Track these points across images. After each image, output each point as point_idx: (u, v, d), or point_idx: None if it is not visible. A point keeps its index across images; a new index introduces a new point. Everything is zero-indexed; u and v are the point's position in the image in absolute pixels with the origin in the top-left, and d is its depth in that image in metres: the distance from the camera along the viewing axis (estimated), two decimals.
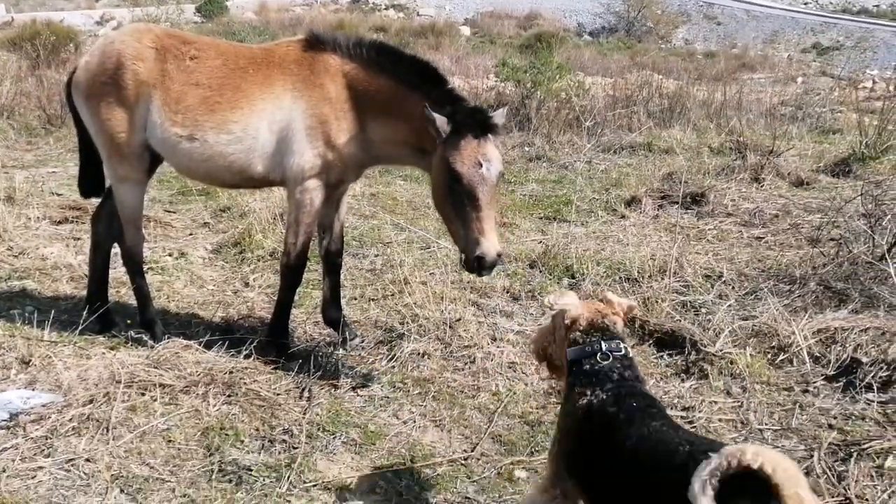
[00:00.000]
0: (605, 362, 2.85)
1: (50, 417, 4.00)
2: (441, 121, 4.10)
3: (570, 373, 2.96)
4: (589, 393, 2.79)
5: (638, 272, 6.01)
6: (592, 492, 2.76)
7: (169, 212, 8.00)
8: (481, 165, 4.08)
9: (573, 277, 6.19)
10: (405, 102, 4.41)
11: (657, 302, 5.50)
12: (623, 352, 2.90)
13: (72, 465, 3.72)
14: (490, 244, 4.05)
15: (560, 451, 2.92)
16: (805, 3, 57.47)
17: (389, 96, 4.49)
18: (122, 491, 3.60)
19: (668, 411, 3.03)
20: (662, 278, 5.90)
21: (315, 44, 4.65)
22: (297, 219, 4.68)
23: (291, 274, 4.83)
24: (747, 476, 2.09)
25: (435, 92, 4.34)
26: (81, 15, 36.98)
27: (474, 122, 4.13)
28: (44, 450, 3.82)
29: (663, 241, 7.03)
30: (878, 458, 3.74)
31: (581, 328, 2.98)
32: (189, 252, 6.77)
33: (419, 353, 4.90)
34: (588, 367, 2.87)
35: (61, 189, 8.49)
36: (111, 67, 4.63)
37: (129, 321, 5.20)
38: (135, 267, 5.11)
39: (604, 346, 2.89)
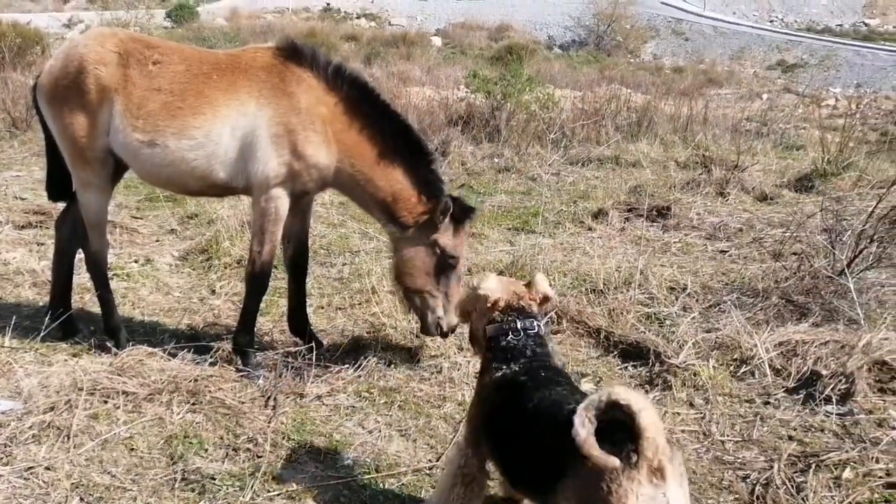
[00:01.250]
0: (520, 339, 3.17)
1: (9, 425, 3.94)
2: (447, 221, 4.62)
3: (489, 348, 3.26)
4: (504, 367, 3.13)
5: (604, 284, 6.05)
6: (500, 452, 3.06)
7: (135, 218, 7.92)
8: (464, 248, 4.83)
9: None
10: (384, 162, 4.64)
11: (622, 313, 5.55)
12: (536, 330, 3.22)
13: (31, 474, 3.66)
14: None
15: (476, 413, 3.24)
16: (771, 21, 58.59)
17: (364, 142, 4.63)
18: (82, 500, 3.54)
19: None
20: (628, 290, 5.96)
21: (289, 54, 4.64)
22: (262, 227, 4.65)
23: (257, 282, 4.80)
24: (621, 424, 2.36)
25: (423, 170, 4.70)
26: (49, 17, 36.60)
27: (465, 215, 4.70)
28: (2, 458, 3.75)
29: (629, 254, 7.10)
30: (835, 469, 3.81)
31: (500, 308, 3.28)
32: (155, 259, 6.71)
33: (385, 363, 4.91)
34: (504, 343, 3.18)
35: (25, 193, 8.38)
36: (73, 71, 4.58)
37: (92, 328, 5.14)
38: (99, 273, 5.04)
39: (519, 324, 3.20)
